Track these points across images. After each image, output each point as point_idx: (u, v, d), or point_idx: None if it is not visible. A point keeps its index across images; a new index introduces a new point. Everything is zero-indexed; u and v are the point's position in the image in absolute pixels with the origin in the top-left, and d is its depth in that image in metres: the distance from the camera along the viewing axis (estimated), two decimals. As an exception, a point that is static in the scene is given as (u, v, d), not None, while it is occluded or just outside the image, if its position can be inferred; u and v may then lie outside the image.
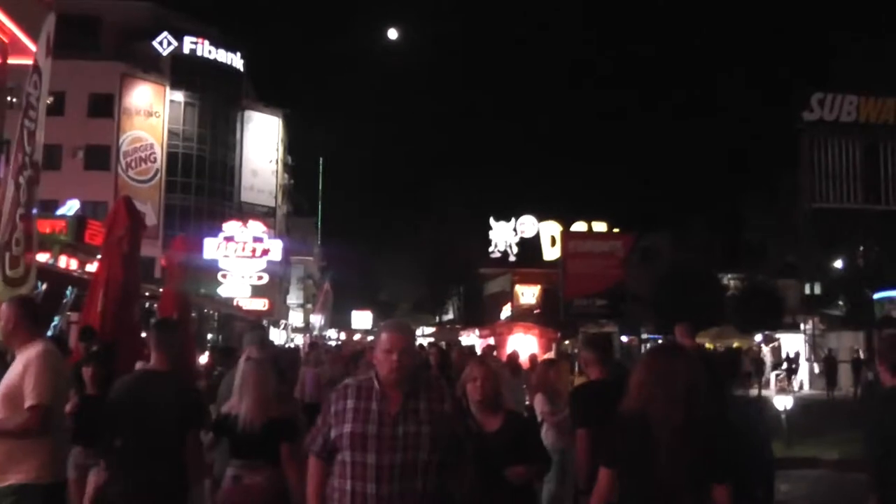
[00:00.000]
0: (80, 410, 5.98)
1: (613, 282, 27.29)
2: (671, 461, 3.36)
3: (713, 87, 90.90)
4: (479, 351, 17.88)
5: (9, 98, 14.82)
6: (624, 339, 35.63)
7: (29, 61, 9.90)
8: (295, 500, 4.74)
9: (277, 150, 57.09)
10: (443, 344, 20.44)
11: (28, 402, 4.28)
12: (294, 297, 66.09)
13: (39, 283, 14.55)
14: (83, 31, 46.12)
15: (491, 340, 26.75)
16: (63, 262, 15.40)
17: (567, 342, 30.79)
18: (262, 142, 55.73)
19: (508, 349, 16.77)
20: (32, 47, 12.18)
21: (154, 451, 4.74)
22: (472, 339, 33.14)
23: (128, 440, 4.88)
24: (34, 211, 8.90)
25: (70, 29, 45.74)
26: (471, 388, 4.70)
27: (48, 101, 9.70)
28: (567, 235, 30.45)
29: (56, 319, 15.37)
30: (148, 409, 4.80)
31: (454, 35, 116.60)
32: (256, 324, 12.99)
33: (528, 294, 43.57)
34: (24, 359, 4.42)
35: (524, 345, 24.23)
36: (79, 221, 16.77)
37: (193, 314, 25.17)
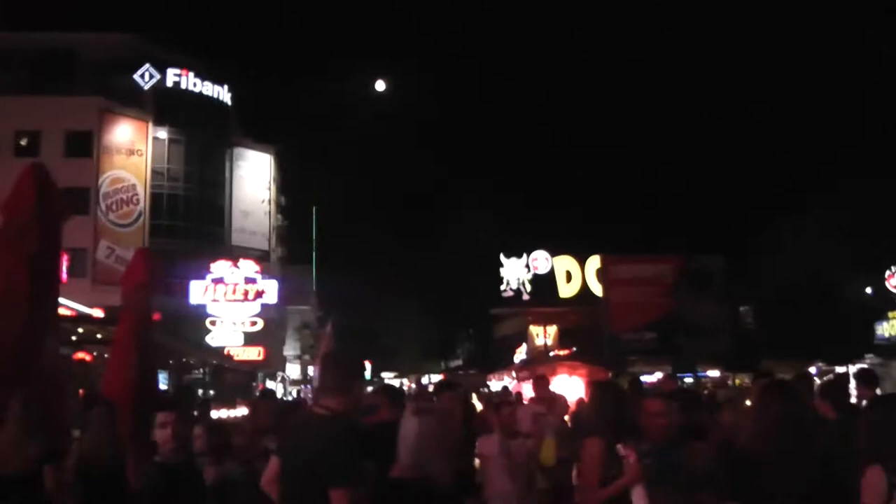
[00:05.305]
0: None
1: (663, 312, 23.87)
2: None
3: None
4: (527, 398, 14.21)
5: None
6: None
7: None
8: None
9: (270, 189, 53.41)
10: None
11: None
12: (291, 348, 61.77)
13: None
14: (58, 67, 43.03)
15: (528, 385, 22.98)
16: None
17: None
18: (253, 180, 52.02)
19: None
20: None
21: None
22: (503, 384, 29.17)
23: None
24: None
25: (44, 64, 42.92)
26: None
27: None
28: (608, 260, 26.74)
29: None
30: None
31: (454, 74, 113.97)
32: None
33: (545, 335, 40.25)
34: None
35: (570, 387, 20.73)
36: None
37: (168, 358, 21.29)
